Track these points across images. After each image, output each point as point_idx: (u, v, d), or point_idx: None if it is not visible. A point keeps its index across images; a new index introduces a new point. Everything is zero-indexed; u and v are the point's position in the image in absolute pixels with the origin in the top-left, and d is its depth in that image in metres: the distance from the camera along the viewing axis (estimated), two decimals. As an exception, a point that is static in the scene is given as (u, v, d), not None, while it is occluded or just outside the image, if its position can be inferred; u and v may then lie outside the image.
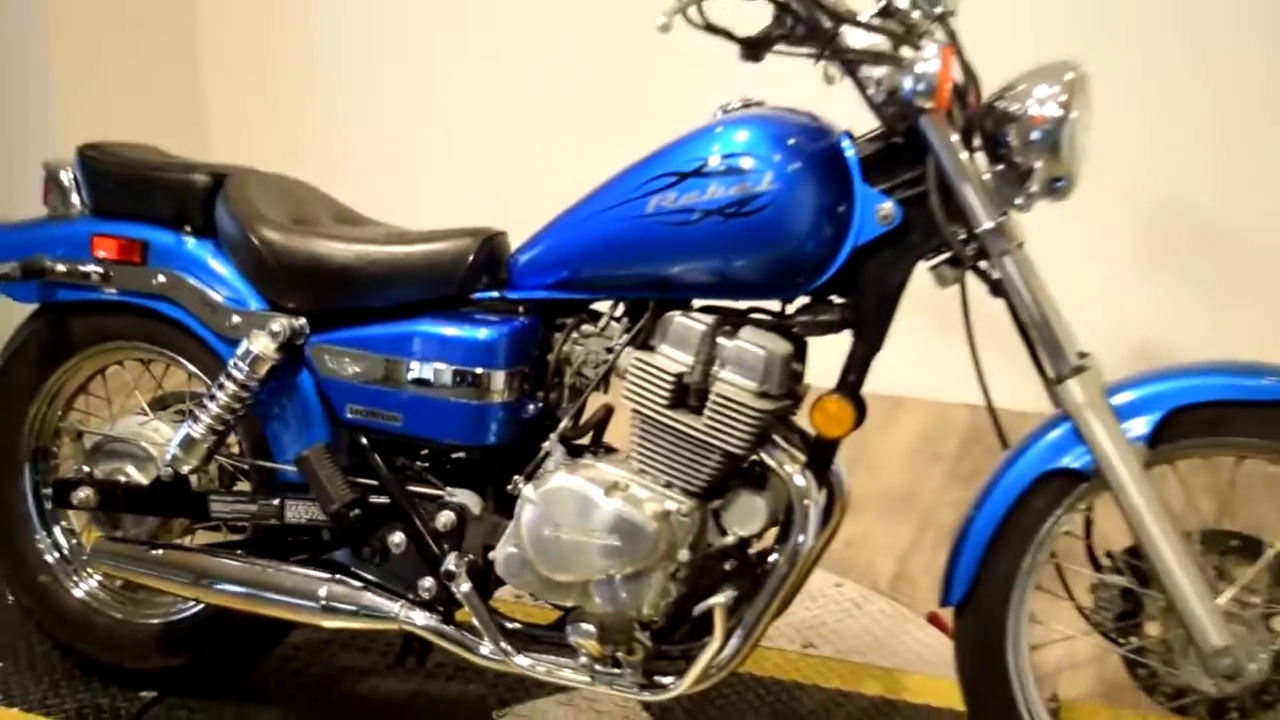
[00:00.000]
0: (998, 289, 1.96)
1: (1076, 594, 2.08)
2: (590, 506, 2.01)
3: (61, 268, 2.30)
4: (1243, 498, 2.10)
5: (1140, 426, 1.90)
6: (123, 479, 2.31)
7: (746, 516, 2.05)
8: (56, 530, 2.44)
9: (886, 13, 1.96)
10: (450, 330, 2.10)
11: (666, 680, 2.05)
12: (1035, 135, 1.89)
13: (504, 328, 2.10)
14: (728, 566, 2.08)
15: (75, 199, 2.37)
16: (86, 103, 3.78)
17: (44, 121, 3.65)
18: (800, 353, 2.06)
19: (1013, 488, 1.97)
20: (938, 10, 1.96)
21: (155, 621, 2.42)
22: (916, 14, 1.96)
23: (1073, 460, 1.93)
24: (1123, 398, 1.93)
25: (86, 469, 2.36)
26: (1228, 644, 1.87)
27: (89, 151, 2.34)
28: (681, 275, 2.00)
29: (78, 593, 2.45)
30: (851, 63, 1.93)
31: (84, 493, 2.29)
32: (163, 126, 4.02)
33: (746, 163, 1.93)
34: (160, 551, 2.27)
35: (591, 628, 2.02)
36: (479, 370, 2.08)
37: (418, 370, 2.11)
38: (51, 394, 2.44)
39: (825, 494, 2.11)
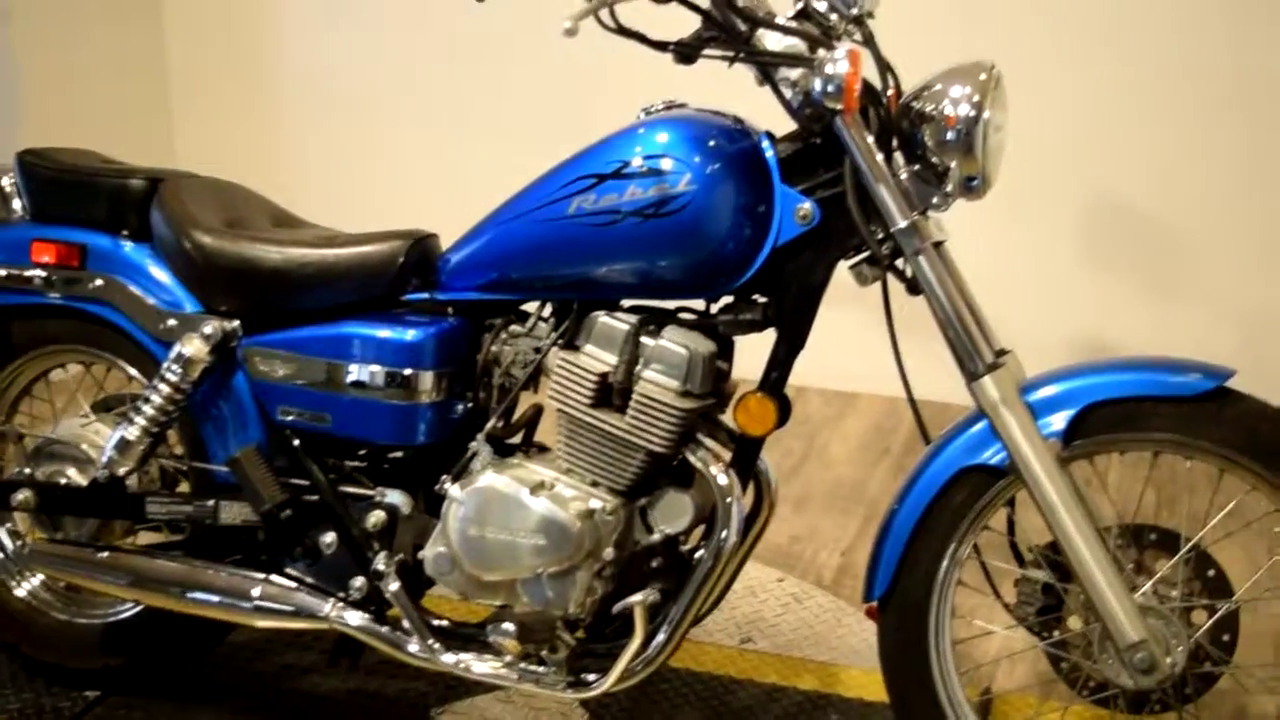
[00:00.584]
0: (914, 287, 1.92)
1: (1001, 588, 2.05)
2: (515, 506, 1.97)
3: (1, 272, 2.27)
4: (1161, 492, 2.10)
5: (1056, 422, 1.87)
6: (63, 481, 2.27)
7: (673, 514, 2.02)
8: (1, 531, 2.40)
9: (804, 15, 1.93)
10: (378, 332, 2.07)
11: (591, 677, 2.01)
12: (949, 135, 1.86)
13: (431, 329, 2.06)
14: (655, 564, 2.04)
15: (16, 204, 2.33)
16: (53, 107, 3.74)
17: (8, 127, 3.61)
18: (725, 351, 2.03)
19: (932, 484, 1.94)
20: (854, 12, 1.93)
21: (97, 621, 2.38)
22: (834, 16, 1.93)
23: (989, 456, 1.90)
24: (1040, 394, 1.89)
25: (28, 471, 2.33)
26: (1143, 638, 1.84)
27: (28, 157, 2.30)
28: (605, 276, 1.96)
29: (20, 593, 2.41)
30: (765, 65, 1.89)
31: (23, 495, 2.24)
32: (128, 130, 4.04)
33: (665, 164, 1.90)
34: (97, 553, 2.23)
35: (511, 627, 1.98)
36: (407, 371, 2.05)
37: (346, 371, 2.07)
38: (-5, 397, 2.41)
39: (753, 491, 2.09)
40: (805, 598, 2.68)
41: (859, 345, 3.56)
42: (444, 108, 3.93)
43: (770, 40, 1.91)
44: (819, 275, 1.98)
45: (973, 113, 1.85)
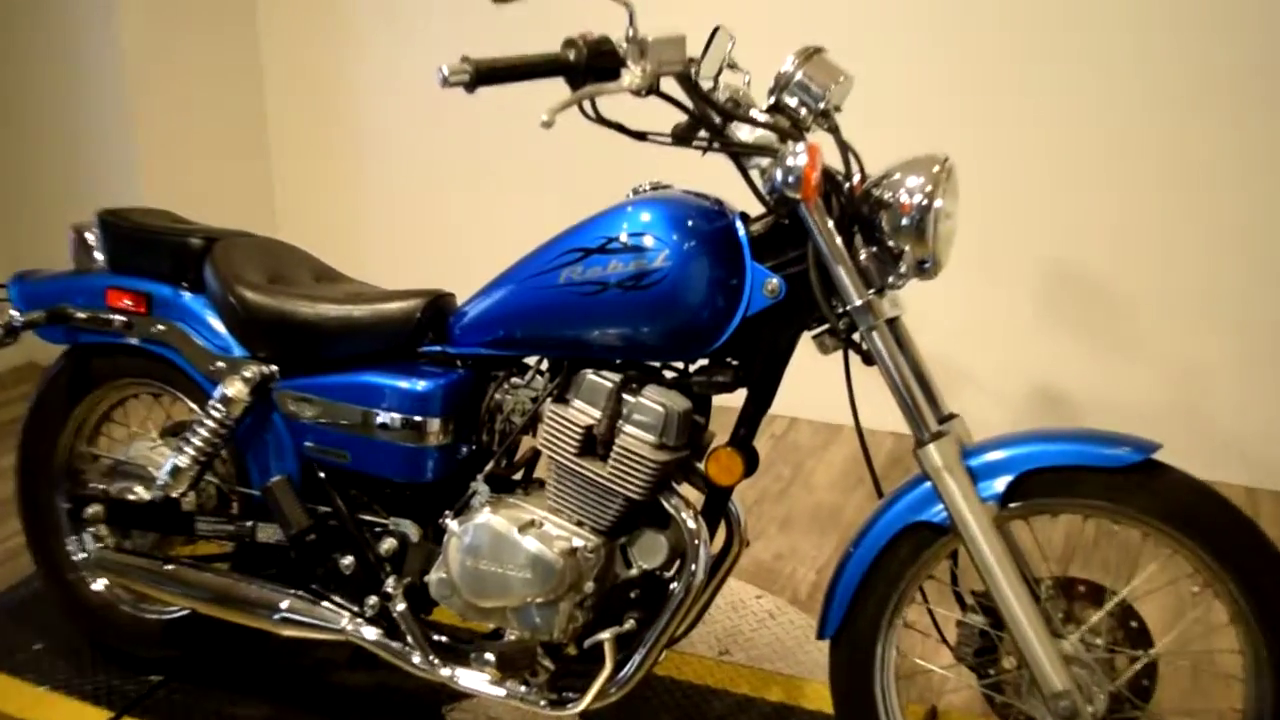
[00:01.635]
0: (869, 359, 1.73)
1: (945, 630, 1.85)
2: (505, 542, 1.81)
3: (82, 315, 2.13)
4: (1095, 548, 1.88)
5: (995, 486, 1.67)
6: (131, 497, 2.14)
7: (649, 552, 1.84)
8: (85, 536, 2.26)
9: (777, 108, 1.73)
10: (393, 381, 1.90)
11: (571, 696, 1.83)
12: (904, 221, 1.66)
13: (441, 380, 1.89)
14: (633, 595, 1.87)
15: (98, 255, 2.19)
16: (166, 171, 3.62)
17: (130, 190, 3.49)
18: (703, 408, 1.84)
19: (881, 536, 1.75)
20: (821, 106, 1.72)
21: (159, 617, 2.24)
22: (804, 110, 1.73)
23: (933, 515, 1.70)
24: (982, 459, 1.70)
25: (101, 487, 2.19)
26: (1067, 689, 1.64)
27: (107, 216, 2.16)
28: (592, 338, 1.78)
29: (97, 589, 2.28)
30: (736, 155, 1.70)
31: (95, 509, 2.12)
32: (233, 191, 3.93)
33: (645, 241, 1.72)
34: (152, 563, 2.10)
35: (491, 657, 1.81)
36: (417, 417, 1.88)
37: (363, 415, 1.91)
38: (79, 421, 2.27)
39: (726, 531, 1.90)
40: (779, 614, 2.48)
41: (842, 383, 3.38)
42: (496, 171, 3.74)
43: (745, 131, 1.73)
44: (785, 343, 1.80)
45: (925, 201, 1.66)
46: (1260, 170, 2.91)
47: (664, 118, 1.72)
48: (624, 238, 1.73)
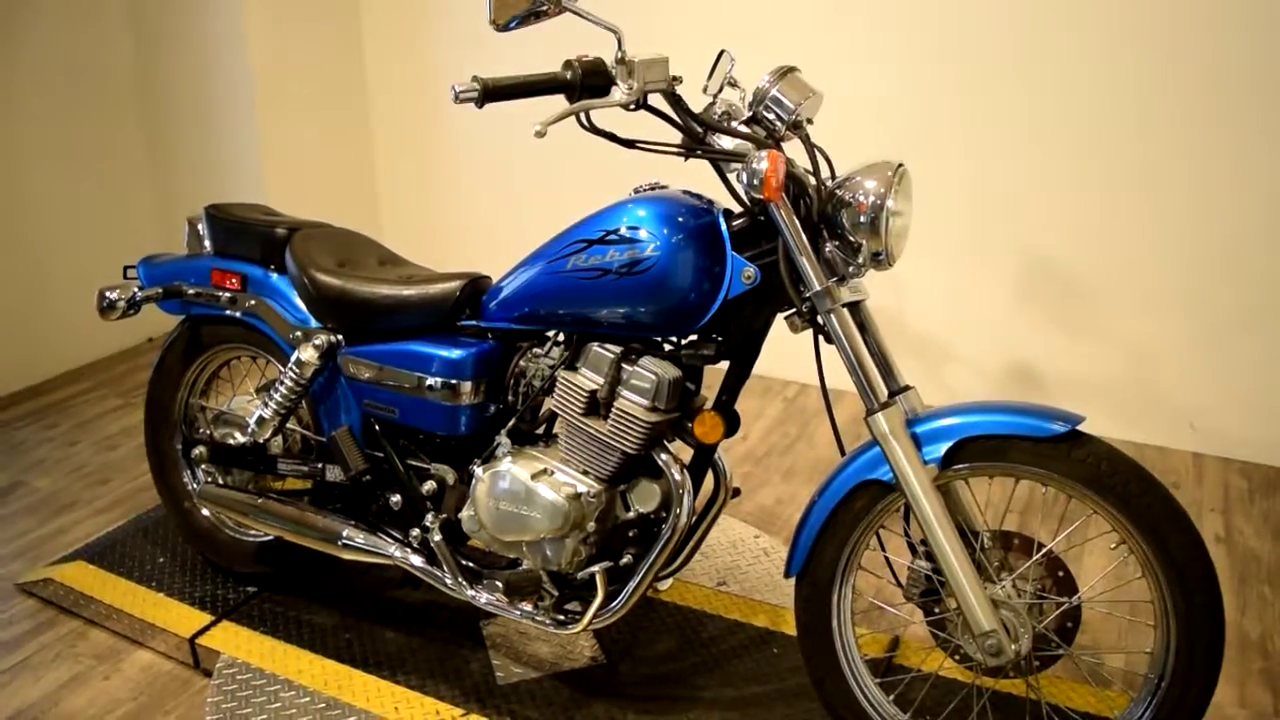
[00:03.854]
0: (829, 338, 1.66)
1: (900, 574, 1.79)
2: (521, 486, 1.79)
3: (192, 291, 2.16)
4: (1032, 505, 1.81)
5: (936, 450, 1.60)
6: (231, 442, 2.17)
7: (645, 498, 1.81)
8: (199, 472, 2.30)
9: (754, 120, 1.67)
10: (433, 350, 1.89)
11: (573, 617, 1.82)
12: (861, 219, 1.60)
13: (473, 349, 1.87)
14: (631, 534, 1.83)
15: (207, 243, 2.22)
16: (287, 178, 3.66)
17: (257, 189, 3.55)
18: (693, 376, 1.79)
19: (839, 491, 1.69)
20: (793, 118, 1.66)
21: (255, 540, 2.27)
22: (779, 123, 1.67)
23: (881, 475, 1.64)
24: (926, 426, 1.63)
25: (207, 433, 2.23)
26: (993, 629, 1.58)
27: (212, 209, 2.18)
28: (596, 316, 1.75)
29: (205, 515, 2.31)
30: (713, 160, 1.65)
31: (199, 450, 2.15)
32: (341, 187, 3.95)
33: (639, 234, 1.67)
34: (244, 496, 2.12)
35: (500, 583, 1.80)
36: (453, 380, 1.87)
37: (409, 378, 1.90)
38: (191, 379, 2.30)
39: (714, 481, 1.86)
40: (773, 552, 2.43)
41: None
42: (561, 173, 3.69)
43: (728, 141, 1.67)
44: (761, 323, 1.75)
45: (879, 202, 1.59)
46: (1206, 173, 2.76)
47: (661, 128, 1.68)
48: (621, 231, 1.69)
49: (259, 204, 2.29)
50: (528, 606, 1.84)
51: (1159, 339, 2.91)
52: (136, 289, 2.14)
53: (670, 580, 1.96)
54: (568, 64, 1.55)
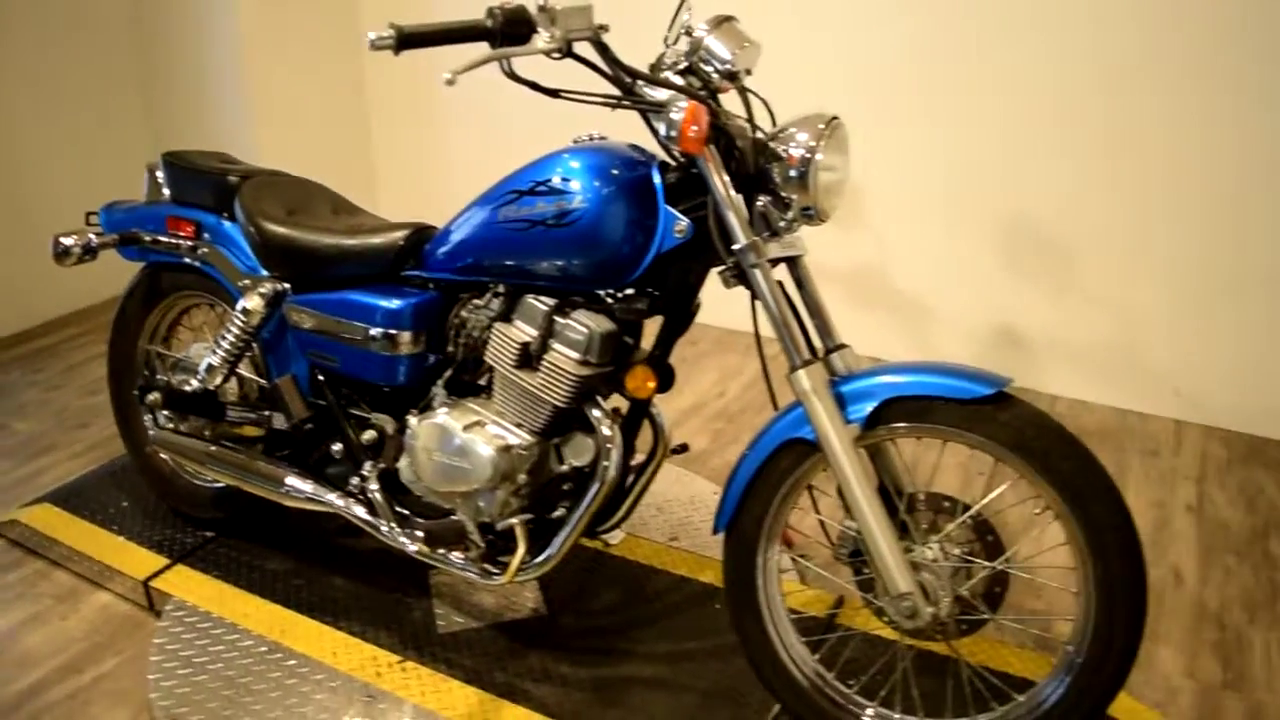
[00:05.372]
0: (757, 294, 1.64)
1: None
2: (451, 437, 1.79)
3: (148, 238, 2.18)
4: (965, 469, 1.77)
5: (861, 410, 1.58)
6: (183, 388, 2.19)
7: (579, 451, 1.81)
8: (160, 417, 2.33)
9: (689, 71, 1.64)
10: (372, 299, 1.89)
11: (498, 570, 1.83)
12: (791, 173, 1.58)
13: (412, 300, 1.87)
14: (565, 487, 1.84)
15: (165, 190, 2.23)
16: (279, 136, 3.66)
17: (250, 138, 3.56)
18: (632, 330, 1.78)
19: (766, 448, 1.68)
20: (728, 69, 1.63)
21: (211, 486, 2.30)
22: (714, 74, 1.64)
23: (806, 433, 1.62)
24: (853, 385, 1.61)
25: (164, 379, 2.26)
26: (909, 590, 1.57)
27: (169, 157, 2.19)
28: (529, 268, 1.74)
29: (165, 458, 2.35)
30: (639, 110, 1.62)
31: (154, 395, 2.17)
32: (336, 147, 3.95)
33: (568, 185, 1.66)
34: (196, 443, 2.15)
35: (421, 533, 1.81)
36: (391, 330, 1.87)
37: (347, 327, 1.91)
38: (152, 326, 2.33)
39: (653, 437, 1.86)
40: (728, 510, 2.42)
41: (838, 313, 3.26)
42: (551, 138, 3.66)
43: (662, 93, 1.63)
44: (694, 277, 1.73)
45: (808, 155, 1.55)
46: (1185, 141, 2.69)
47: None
48: (551, 182, 1.67)
49: (220, 151, 2.29)
50: (458, 556, 1.86)
51: (1144, 304, 2.85)
52: (92, 235, 2.16)
53: (621, 534, 1.96)
54: (489, 11, 1.52)
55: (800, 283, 1.73)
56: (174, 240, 2.15)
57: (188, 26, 3.62)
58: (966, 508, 1.63)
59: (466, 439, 1.78)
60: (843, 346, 1.71)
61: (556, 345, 1.73)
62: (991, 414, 1.53)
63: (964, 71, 2.91)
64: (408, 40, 1.48)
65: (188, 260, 2.15)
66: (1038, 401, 2.99)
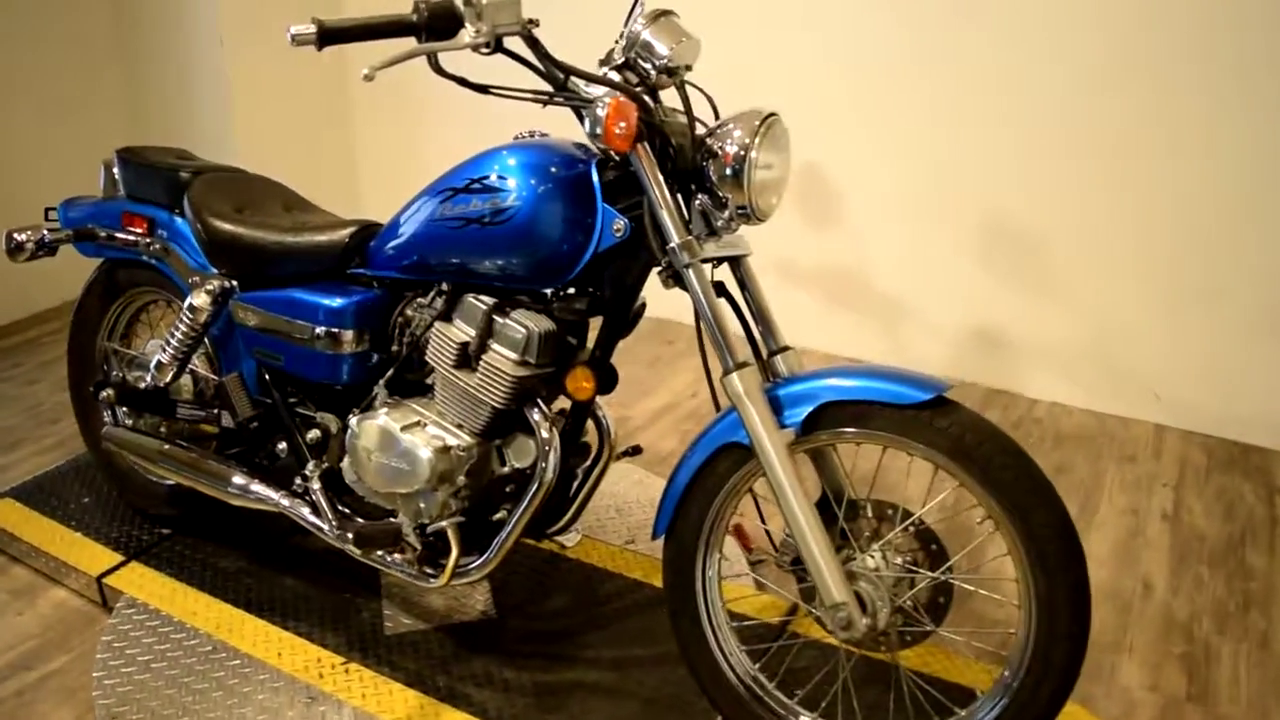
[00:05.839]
0: (690, 294, 1.61)
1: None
2: (390, 438, 1.77)
3: (102, 234, 2.17)
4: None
5: (797, 415, 1.55)
6: (140, 386, 2.18)
7: (520, 453, 1.78)
8: (118, 414, 2.33)
9: (626, 66, 1.61)
10: (315, 298, 1.87)
11: (434, 573, 1.81)
12: (727, 171, 1.54)
13: (355, 298, 1.85)
14: (508, 489, 1.81)
15: (121, 187, 2.22)
16: (260, 133, 3.65)
17: (225, 130, 3.55)
18: (576, 330, 1.75)
19: (703, 451, 1.65)
20: (665, 64, 1.59)
21: (166, 483, 2.29)
22: (651, 70, 1.60)
23: (742, 438, 1.58)
24: (789, 389, 1.57)
25: (118, 375, 2.25)
26: (844, 600, 1.52)
27: (123, 153, 2.18)
28: (468, 267, 1.71)
29: (125, 456, 2.34)
30: (573, 107, 1.59)
31: (107, 392, 2.17)
32: (320, 151, 3.93)
33: (503, 182, 1.63)
34: (148, 440, 2.14)
35: (351, 535, 1.78)
36: (334, 329, 1.85)
37: (290, 325, 1.89)
38: (110, 322, 2.32)
39: (598, 439, 1.83)
40: (690, 513, 2.39)
41: (809, 311, 3.23)
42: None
43: (597, 89, 1.60)
44: (633, 277, 1.69)
45: (742, 153, 1.52)
46: (1165, 143, 2.63)
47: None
48: (487, 179, 1.65)
49: (177, 148, 2.27)
50: (397, 558, 1.83)
51: (1126, 308, 2.80)
52: (46, 231, 2.15)
53: (578, 536, 1.93)
54: (415, 5, 1.49)
55: (743, 283, 1.70)
56: (129, 236, 2.14)
57: (169, 24, 3.61)
58: (906, 514, 1.59)
59: (405, 439, 1.75)
60: (786, 349, 1.68)
61: (495, 345, 1.70)
62: (929, 420, 1.49)
63: (944, 74, 2.86)
64: (330, 36, 1.45)
65: (143, 256, 2.14)
66: (1017, 405, 2.94)
